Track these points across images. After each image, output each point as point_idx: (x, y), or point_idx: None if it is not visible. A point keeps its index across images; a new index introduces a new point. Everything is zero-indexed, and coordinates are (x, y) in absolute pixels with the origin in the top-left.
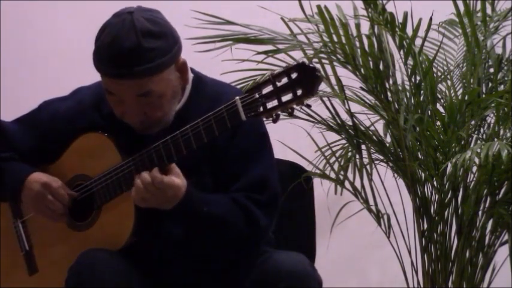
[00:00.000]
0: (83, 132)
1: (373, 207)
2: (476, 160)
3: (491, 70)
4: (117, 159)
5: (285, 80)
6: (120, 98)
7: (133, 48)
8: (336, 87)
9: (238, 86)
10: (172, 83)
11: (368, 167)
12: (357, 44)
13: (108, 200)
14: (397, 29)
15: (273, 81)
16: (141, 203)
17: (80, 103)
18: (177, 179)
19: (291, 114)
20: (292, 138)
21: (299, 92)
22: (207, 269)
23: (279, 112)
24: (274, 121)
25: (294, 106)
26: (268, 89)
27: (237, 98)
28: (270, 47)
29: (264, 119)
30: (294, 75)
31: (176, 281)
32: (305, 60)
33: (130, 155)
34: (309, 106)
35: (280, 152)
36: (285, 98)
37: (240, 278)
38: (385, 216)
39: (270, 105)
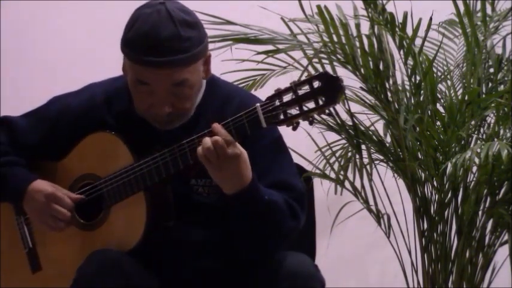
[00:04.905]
0: (92, 129)
1: (373, 207)
2: (476, 160)
3: (491, 70)
4: (128, 159)
5: (306, 89)
6: (152, 88)
7: (173, 37)
8: None
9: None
10: (200, 74)
11: (368, 167)
12: (357, 44)
13: (119, 200)
14: (397, 29)
15: (295, 89)
16: (205, 161)
17: (91, 99)
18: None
19: (312, 123)
20: (292, 138)
21: (321, 101)
22: (219, 269)
23: (300, 120)
24: (294, 129)
25: (315, 115)
26: (288, 96)
27: (258, 105)
28: (270, 47)
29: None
30: (316, 84)
31: (185, 282)
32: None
33: (142, 153)
34: (330, 114)
35: None
36: (307, 106)
37: (247, 279)
38: (385, 216)
39: (290, 113)
